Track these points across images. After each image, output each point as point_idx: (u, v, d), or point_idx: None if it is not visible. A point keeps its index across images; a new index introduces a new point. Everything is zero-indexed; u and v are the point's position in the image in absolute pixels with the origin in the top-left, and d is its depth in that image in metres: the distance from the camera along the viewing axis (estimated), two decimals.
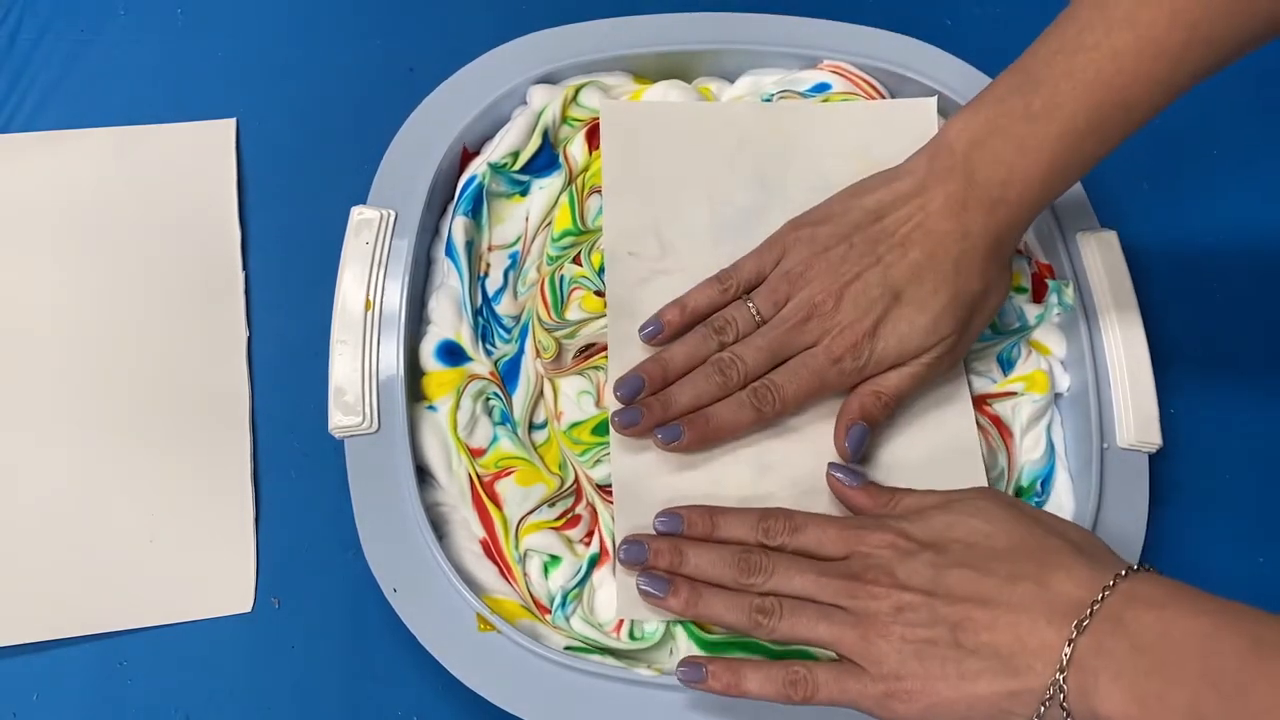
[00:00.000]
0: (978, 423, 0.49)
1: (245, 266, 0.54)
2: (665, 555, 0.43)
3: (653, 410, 0.46)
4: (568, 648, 0.44)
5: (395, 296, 0.48)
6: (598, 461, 0.47)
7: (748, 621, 0.41)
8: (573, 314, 0.50)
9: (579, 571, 0.45)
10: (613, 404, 0.48)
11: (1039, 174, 0.45)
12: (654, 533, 0.44)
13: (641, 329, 0.48)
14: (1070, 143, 0.44)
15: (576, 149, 0.53)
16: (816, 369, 0.46)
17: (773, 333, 0.46)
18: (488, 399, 0.48)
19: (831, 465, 0.46)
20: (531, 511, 0.46)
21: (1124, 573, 0.37)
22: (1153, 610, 0.36)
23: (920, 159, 0.47)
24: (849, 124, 0.54)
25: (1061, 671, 0.36)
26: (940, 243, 0.46)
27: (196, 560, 0.48)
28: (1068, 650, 0.36)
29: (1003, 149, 0.45)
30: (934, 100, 0.54)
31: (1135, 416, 0.49)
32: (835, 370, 0.46)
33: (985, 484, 0.48)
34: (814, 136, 0.54)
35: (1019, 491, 0.49)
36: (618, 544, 0.44)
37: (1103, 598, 0.37)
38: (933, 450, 0.48)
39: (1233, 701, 0.33)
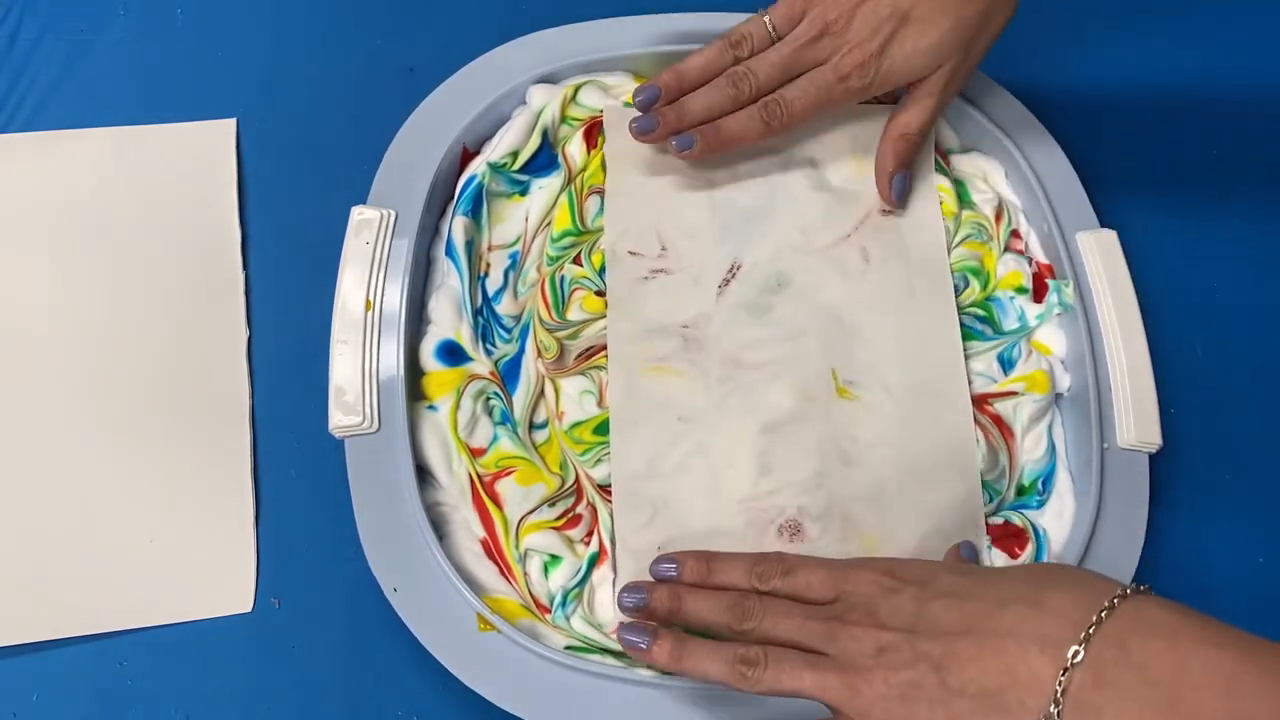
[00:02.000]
0: (979, 421, 0.49)
1: (245, 266, 0.54)
2: (664, 601, 0.42)
3: (667, 119, 0.49)
4: (568, 647, 0.44)
5: (395, 296, 0.48)
6: (599, 461, 0.47)
7: (731, 673, 0.39)
8: (574, 314, 0.50)
9: (579, 571, 0.45)
10: (615, 403, 0.48)
11: None
12: (651, 579, 0.44)
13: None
14: None
15: (575, 149, 0.53)
16: (824, 85, 0.49)
17: (785, 49, 0.49)
18: (488, 399, 0.48)
19: (961, 544, 0.46)
20: (532, 511, 0.46)
21: (1125, 592, 0.34)
22: (1163, 639, 0.33)
23: None
24: (848, 124, 0.54)
25: (1056, 705, 0.33)
26: None
27: (196, 560, 0.48)
28: (1062, 680, 0.33)
29: None
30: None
31: (1135, 416, 0.49)
32: (842, 88, 0.49)
33: (979, 484, 0.48)
34: (814, 137, 0.54)
35: (1020, 491, 0.49)
36: (617, 591, 0.43)
37: (1099, 619, 0.33)
38: (929, 454, 0.48)
39: None
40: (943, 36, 0.48)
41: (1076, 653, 0.33)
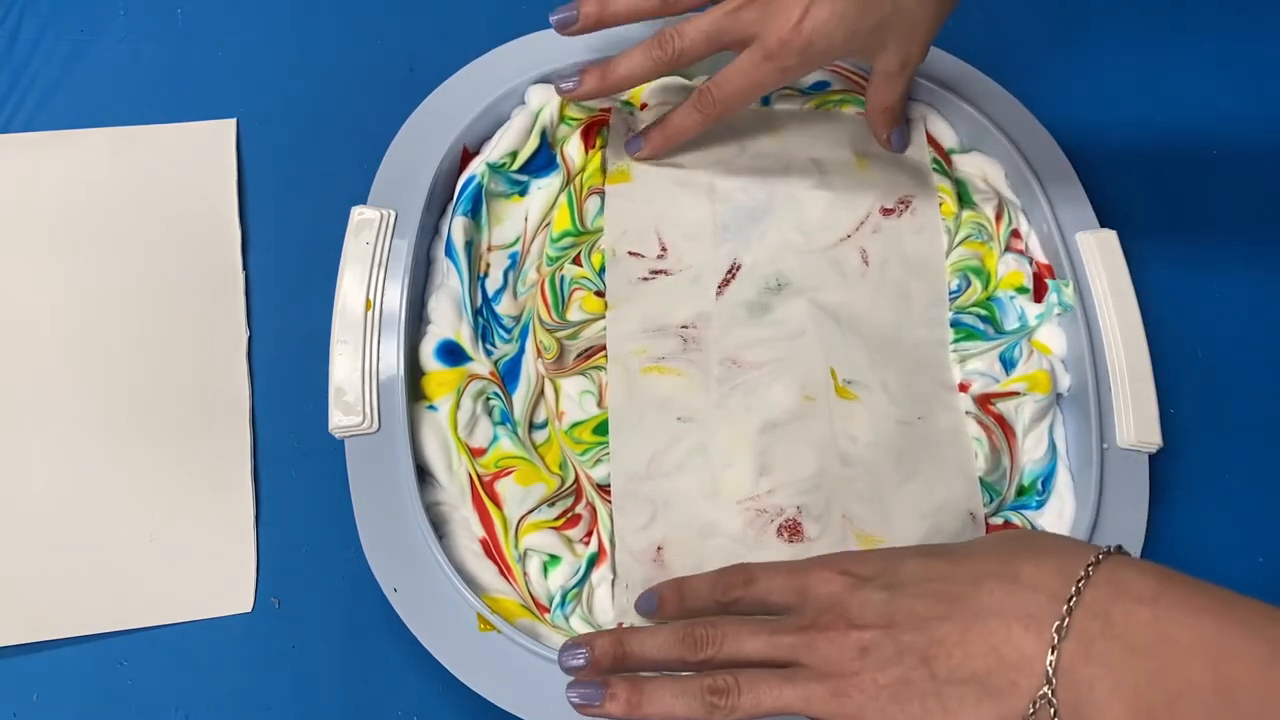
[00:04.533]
0: (982, 422, 0.49)
1: (245, 266, 0.54)
2: (608, 649, 0.39)
3: (588, 81, 0.51)
4: None
5: (395, 296, 0.48)
6: (598, 461, 0.47)
7: (701, 706, 0.36)
8: (574, 314, 0.50)
9: (578, 571, 0.45)
10: (614, 403, 0.48)
11: None
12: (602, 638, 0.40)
13: None
14: None
15: (573, 149, 0.53)
16: (749, 67, 0.48)
17: (716, 13, 0.48)
18: (488, 399, 0.48)
19: None
20: (531, 511, 0.46)
21: (1097, 558, 0.34)
22: (1145, 605, 0.32)
23: None
24: (849, 126, 0.54)
25: (1049, 684, 0.32)
26: None
27: (196, 560, 0.48)
28: (1051, 659, 0.32)
29: None
30: (921, 120, 0.55)
31: (1135, 416, 0.49)
32: (770, 67, 0.48)
33: (978, 484, 0.48)
34: (815, 137, 0.54)
35: (1020, 491, 0.49)
36: (560, 657, 0.40)
37: (1079, 589, 0.33)
38: (928, 454, 0.48)
39: (1255, 718, 0.30)
40: (858, 6, 0.46)
41: (1059, 627, 0.33)
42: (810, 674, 0.36)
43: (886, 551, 0.39)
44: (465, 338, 0.48)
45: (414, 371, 0.48)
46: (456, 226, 0.50)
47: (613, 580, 0.45)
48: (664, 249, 0.51)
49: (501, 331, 0.50)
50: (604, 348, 0.49)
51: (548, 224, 0.52)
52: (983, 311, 0.52)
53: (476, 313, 0.49)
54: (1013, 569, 0.35)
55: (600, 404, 0.49)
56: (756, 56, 0.48)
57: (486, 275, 0.51)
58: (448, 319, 0.49)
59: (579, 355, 0.49)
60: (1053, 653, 0.33)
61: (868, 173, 0.53)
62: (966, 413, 0.50)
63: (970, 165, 0.56)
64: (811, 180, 0.53)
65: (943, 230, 0.53)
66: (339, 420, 0.46)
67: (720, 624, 0.38)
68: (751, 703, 0.36)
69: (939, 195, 0.53)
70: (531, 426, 0.48)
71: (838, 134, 0.54)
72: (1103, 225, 0.53)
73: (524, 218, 0.52)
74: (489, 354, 0.49)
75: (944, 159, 0.55)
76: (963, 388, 0.50)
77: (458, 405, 0.47)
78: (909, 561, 0.37)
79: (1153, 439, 0.49)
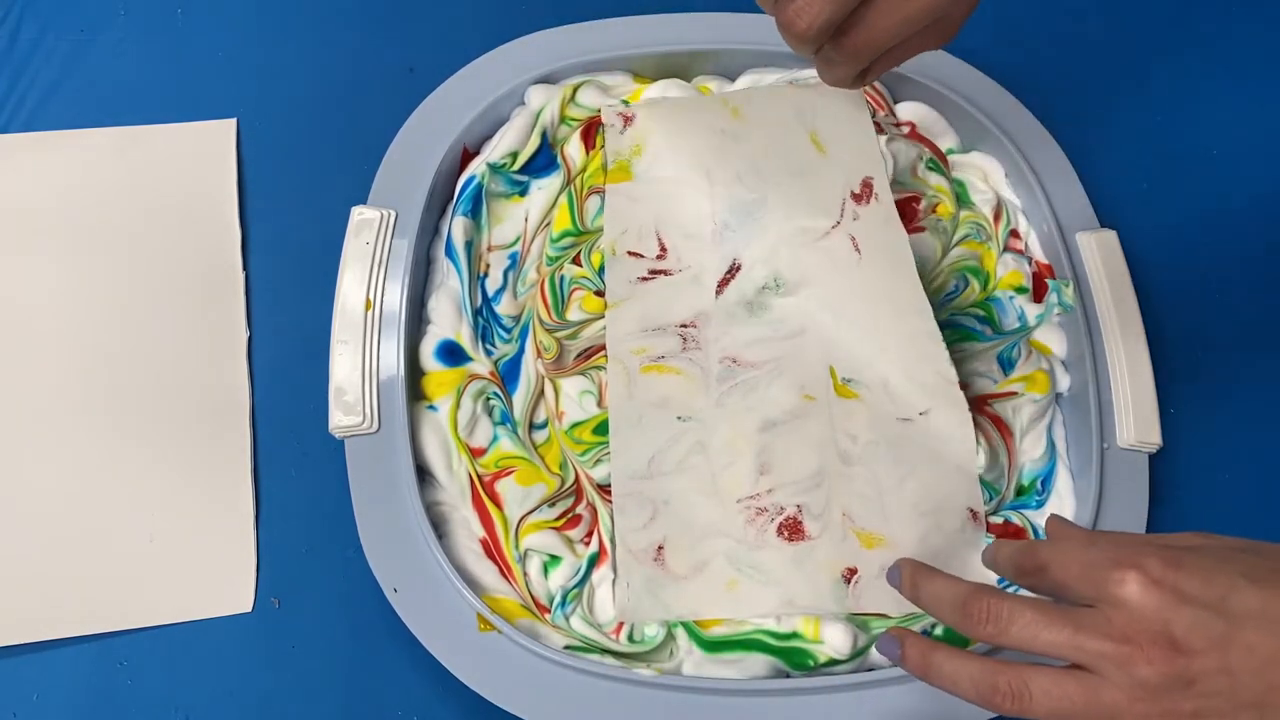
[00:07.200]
0: (978, 423, 0.49)
1: (245, 266, 0.54)
2: (908, 580, 0.38)
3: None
4: (567, 647, 0.44)
5: (395, 296, 0.48)
6: (598, 461, 0.47)
7: (981, 699, 0.34)
8: (573, 314, 0.50)
9: (578, 571, 0.45)
10: (614, 403, 0.48)
11: None
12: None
13: None
14: None
15: (573, 149, 0.53)
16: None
17: None
18: (488, 399, 0.48)
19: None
20: (531, 511, 0.46)
21: None
22: None
23: None
24: (795, 104, 0.53)
25: None
26: None
27: (196, 560, 0.48)
28: None
29: None
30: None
31: (1135, 416, 0.49)
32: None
33: (978, 482, 0.48)
34: (785, 120, 0.53)
35: (1019, 491, 0.49)
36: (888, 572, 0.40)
37: None
38: (928, 452, 0.48)
39: None
40: None
41: None
42: (1117, 694, 0.32)
43: (1207, 562, 0.33)
44: (465, 338, 0.49)
45: (414, 371, 0.48)
46: (456, 226, 0.50)
47: (613, 580, 0.45)
48: (663, 249, 0.51)
49: (501, 331, 0.50)
50: (604, 347, 0.49)
51: (548, 224, 0.52)
52: (980, 312, 0.52)
53: (476, 313, 0.49)
54: None
55: (600, 404, 0.49)
56: None
57: (486, 275, 0.51)
58: (448, 319, 0.49)
59: (579, 355, 0.49)
60: None
61: (826, 153, 0.52)
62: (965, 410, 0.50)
63: (970, 165, 0.56)
64: (791, 164, 0.52)
65: (896, 213, 0.50)
66: (339, 420, 0.46)
67: (1010, 602, 0.34)
68: (1046, 712, 0.33)
69: (890, 180, 0.51)
70: (531, 426, 0.48)
71: (789, 114, 0.52)
72: (1103, 225, 0.53)
73: (524, 218, 0.52)
74: (489, 354, 0.49)
75: (942, 159, 0.55)
76: (961, 387, 0.50)
77: (458, 405, 0.47)
78: (1245, 588, 0.32)
79: (1153, 439, 0.49)
